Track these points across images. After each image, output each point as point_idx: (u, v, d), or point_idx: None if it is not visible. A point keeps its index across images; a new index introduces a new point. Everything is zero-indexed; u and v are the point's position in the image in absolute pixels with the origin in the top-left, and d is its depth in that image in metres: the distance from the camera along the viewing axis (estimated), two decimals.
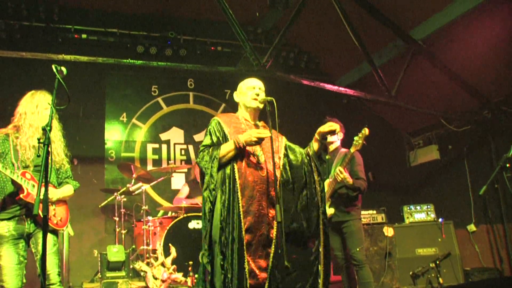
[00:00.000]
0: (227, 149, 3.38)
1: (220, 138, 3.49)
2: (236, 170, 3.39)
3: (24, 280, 3.53)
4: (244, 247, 3.29)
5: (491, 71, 6.81)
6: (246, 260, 3.28)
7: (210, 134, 3.52)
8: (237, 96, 3.71)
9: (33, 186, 3.53)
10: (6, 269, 3.42)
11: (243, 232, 3.30)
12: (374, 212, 6.43)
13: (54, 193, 3.69)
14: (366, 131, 4.42)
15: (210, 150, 3.40)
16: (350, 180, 4.60)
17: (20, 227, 3.52)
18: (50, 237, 3.56)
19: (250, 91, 3.61)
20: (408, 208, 6.57)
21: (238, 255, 3.26)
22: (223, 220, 3.31)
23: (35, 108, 3.67)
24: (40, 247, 3.53)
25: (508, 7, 5.99)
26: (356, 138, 4.47)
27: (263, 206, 3.40)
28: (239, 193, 3.35)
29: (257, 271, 3.30)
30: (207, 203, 3.35)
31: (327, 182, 4.84)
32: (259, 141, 3.35)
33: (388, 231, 6.24)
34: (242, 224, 3.30)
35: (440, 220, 6.41)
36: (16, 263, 3.46)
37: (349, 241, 4.78)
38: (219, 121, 3.56)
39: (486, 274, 6.17)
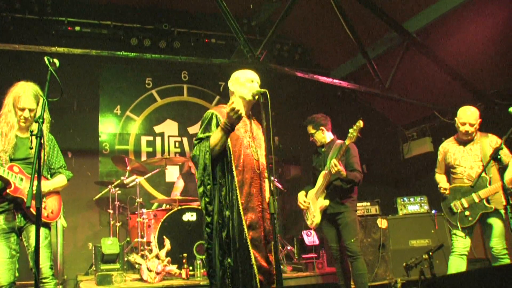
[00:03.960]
0: (216, 137, 3.28)
1: None
2: (233, 167, 3.35)
3: (17, 274, 3.49)
4: (249, 244, 3.27)
5: (485, 64, 6.83)
6: (253, 257, 3.27)
7: (207, 128, 3.40)
8: (233, 86, 3.58)
9: (21, 179, 3.48)
10: None
11: (246, 229, 3.28)
12: (368, 204, 6.45)
13: (45, 186, 3.61)
14: (360, 123, 4.42)
15: (202, 143, 3.33)
16: (344, 173, 4.62)
17: (11, 221, 3.49)
18: (41, 230, 3.52)
19: (249, 84, 3.53)
20: (402, 200, 6.59)
21: (244, 253, 3.25)
22: (224, 217, 3.28)
23: (9, 102, 3.59)
24: (31, 241, 3.51)
25: (501, 0, 6.00)
26: (351, 130, 4.47)
27: (261, 202, 3.42)
28: (237, 190, 3.32)
29: (267, 267, 3.31)
30: (204, 199, 3.28)
31: (322, 174, 4.86)
32: (237, 112, 3.19)
33: (382, 223, 6.27)
34: (244, 221, 3.29)
35: (433, 211, 6.45)
36: (7, 257, 3.43)
37: (344, 232, 4.80)
38: (217, 115, 3.44)
39: (477, 264, 6.22)
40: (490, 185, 4.40)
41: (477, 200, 4.41)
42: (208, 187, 3.29)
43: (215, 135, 3.30)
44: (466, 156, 4.62)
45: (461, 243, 4.52)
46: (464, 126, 4.57)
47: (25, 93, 3.56)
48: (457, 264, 4.51)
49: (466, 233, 4.51)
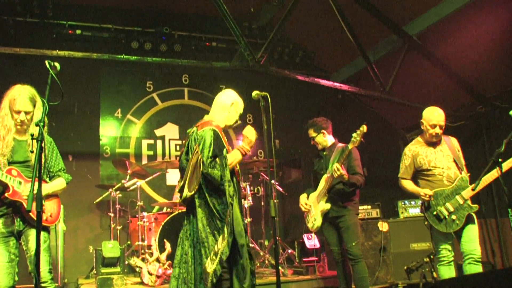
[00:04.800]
0: (235, 157, 3.55)
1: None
2: (236, 181, 3.60)
3: (17, 278, 3.46)
4: None
5: (486, 67, 6.82)
6: None
7: (219, 146, 3.53)
8: (232, 106, 3.81)
9: (20, 183, 3.45)
10: None
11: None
12: (369, 207, 6.44)
13: (43, 189, 3.46)
14: (364, 128, 4.41)
15: (219, 159, 3.46)
16: (346, 177, 4.61)
17: (10, 225, 3.46)
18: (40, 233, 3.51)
19: (238, 116, 3.83)
20: (403, 203, 6.59)
21: None
22: (244, 225, 3.50)
23: (6, 108, 3.55)
24: (30, 244, 3.47)
25: (503, 2, 6.00)
26: (354, 135, 4.46)
27: None
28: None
29: None
30: (229, 209, 3.42)
31: (324, 178, 4.85)
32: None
33: (383, 226, 6.26)
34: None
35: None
36: (6, 261, 3.40)
37: (345, 236, 4.79)
38: (220, 134, 3.62)
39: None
40: (471, 185, 4.30)
41: (461, 202, 4.28)
42: (233, 198, 3.46)
43: (235, 156, 3.57)
44: (440, 157, 4.49)
45: (448, 251, 4.39)
46: (434, 128, 4.47)
47: (20, 96, 3.53)
48: (449, 274, 4.39)
49: (452, 240, 4.39)
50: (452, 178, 4.42)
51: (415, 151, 4.60)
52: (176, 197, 6.96)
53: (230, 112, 3.80)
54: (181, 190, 3.61)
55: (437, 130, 4.48)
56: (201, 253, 3.38)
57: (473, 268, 4.22)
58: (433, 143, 4.57)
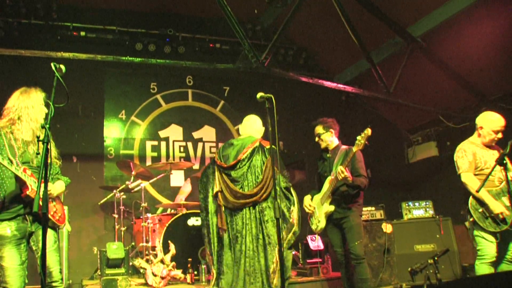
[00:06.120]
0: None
1: None
2: None
3: (26, 280, 3.45)
4: None
5: (489, 68, 6.82)
6: None
7: None
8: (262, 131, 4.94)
9: (34, 182, 3.44)
10: (10, 270, 3.34)
11: None
12: (373, 208, 6.44)
13: (54, 189, 3.60)
14: (368, 131, 4.41)
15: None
16: (350, 179, 4.62)
17: (22, 227, 3.44)
18: (51, 233, 3.50)
19: None
20: (407, 204, 6.58)
21: None
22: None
23: (34, 103, 3.57)
24: (41, 244, 3.49)
25: (506, 4, 6.00)
26: (358, 138, 4.47)
27: None
28: None
29: None
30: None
31: (328, 180, 4.85)
32: None
33: (387, 228, 6.26)
34: None
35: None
36: (19, 263, 3.39)
37: (348, 236, 4.79)
38: None
39: None
40: None
41: (508, 203, 4.23)
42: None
43: None
44: (492, 160, 4.47)
45: (492, 249, 4.32)
46: (497, 134, 4.53)
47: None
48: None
49: (496, 238, 4.33)
50: (502, 180, 4.43)
51: (473, 150, 4.60)
52: (181, 199, 6.98)
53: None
54: (253, 196, 4.46)
55: (499, 135, 4.55)
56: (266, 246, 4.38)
57: (505, 267, 4.32)
58: (487, 146, 4.62)
